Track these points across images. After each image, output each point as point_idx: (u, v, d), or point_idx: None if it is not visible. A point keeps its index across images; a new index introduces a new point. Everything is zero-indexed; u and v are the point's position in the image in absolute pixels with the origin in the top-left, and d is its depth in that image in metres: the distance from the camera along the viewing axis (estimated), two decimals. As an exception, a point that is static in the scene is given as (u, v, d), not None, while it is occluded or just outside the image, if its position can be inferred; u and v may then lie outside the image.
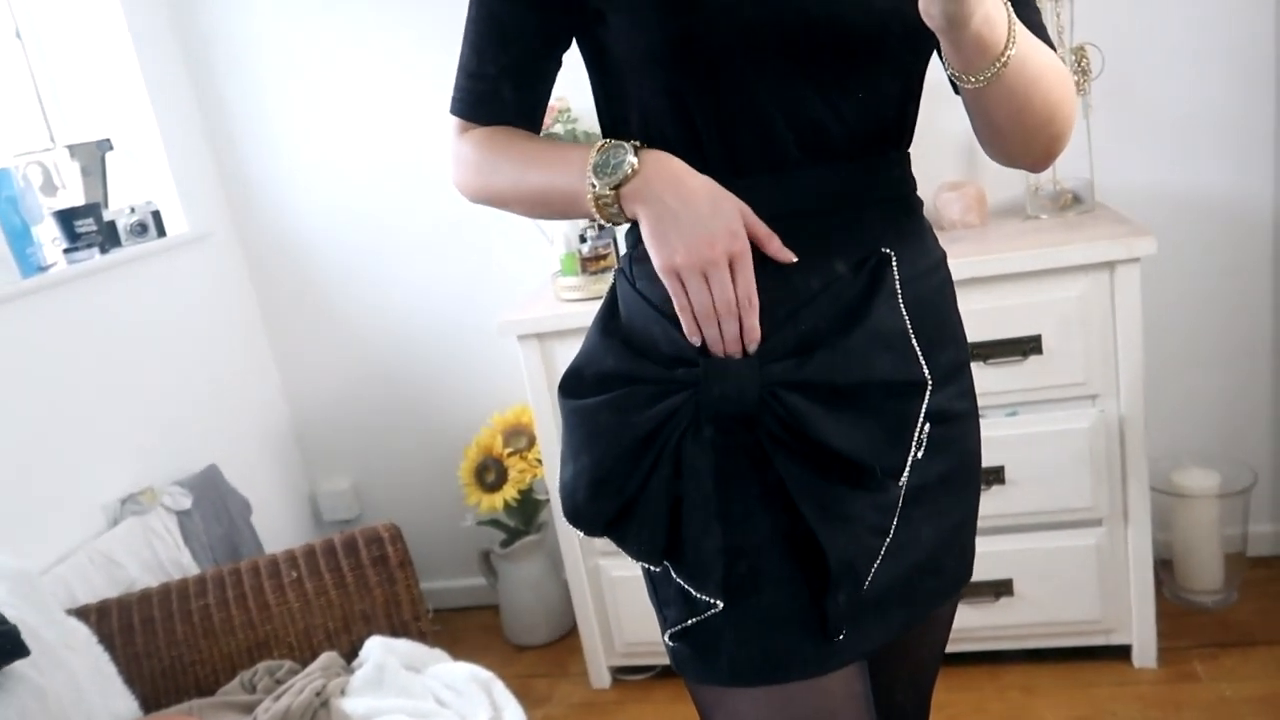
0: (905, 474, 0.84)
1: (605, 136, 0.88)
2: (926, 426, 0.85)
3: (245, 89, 2.45)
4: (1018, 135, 0.82)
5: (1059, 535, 1.88)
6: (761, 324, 0.82)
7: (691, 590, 0.85)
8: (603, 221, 0.85)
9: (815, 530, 0.81)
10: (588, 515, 0.86)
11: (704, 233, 0.79)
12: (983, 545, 1.86)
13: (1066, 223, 1.97)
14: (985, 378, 1.80)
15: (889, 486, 0.84)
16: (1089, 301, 1.77)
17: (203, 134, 2.48)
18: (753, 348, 0.81)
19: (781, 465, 0.81)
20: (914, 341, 0.83)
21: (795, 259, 0.82)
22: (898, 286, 0.84)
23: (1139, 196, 2.08)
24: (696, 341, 0.82)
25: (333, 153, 2.45)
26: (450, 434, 2.51)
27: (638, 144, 0.83)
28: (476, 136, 0.93)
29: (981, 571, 1.89)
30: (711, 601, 0.84)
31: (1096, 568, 1.88)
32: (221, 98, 2.46)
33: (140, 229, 2.25)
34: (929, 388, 0.83)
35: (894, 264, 0.85)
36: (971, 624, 1.93)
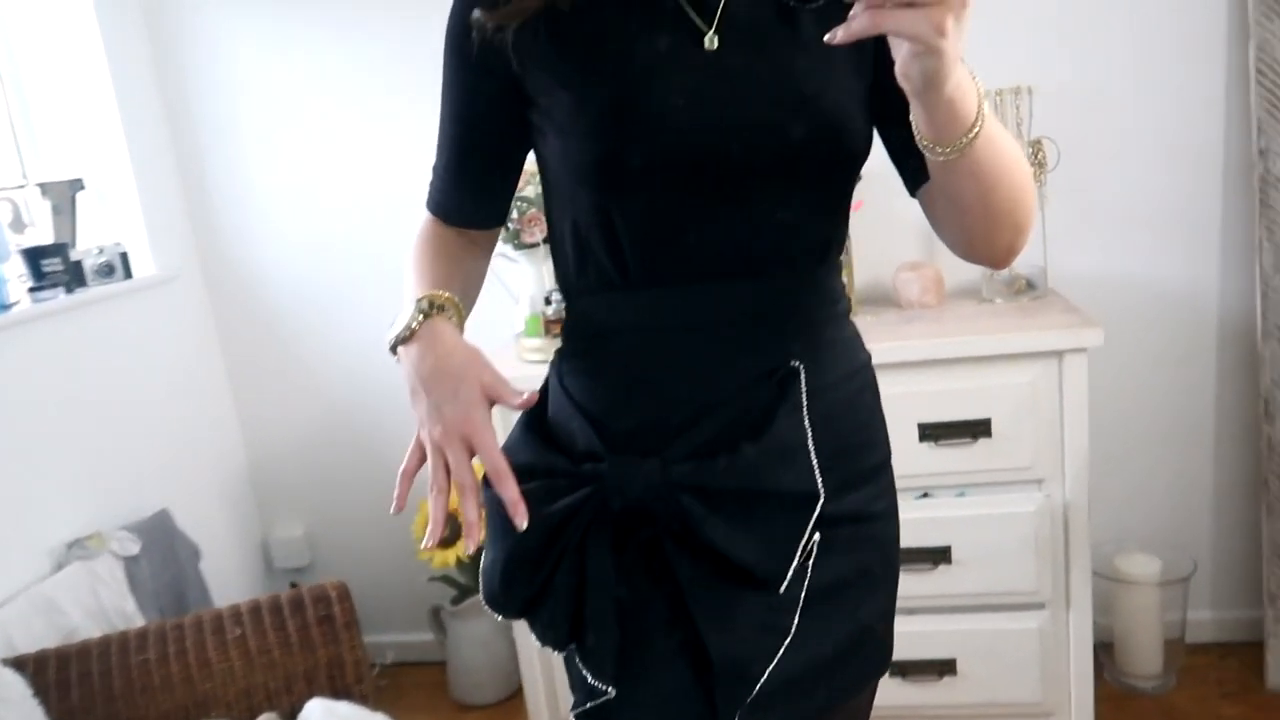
0: (804, 575, 0.88)
1: (549, 229, 0.94)
2: (816, 535, 0.88)
3: (221, 132, 2.47)
4: (984, 220, 0.82)
5: (1002, 617, 1.91)
6: (669, 426, 0.86)
7: (589, 676, 0.88)
8: None
9: (700, 628, 0.85)
10: (502, 601, 0.92)
11: (438, 415, 0.83)
12: (927, 624, 1.92)
13: (1020, 308, 2.02)
14: (936, 458, 1.83)
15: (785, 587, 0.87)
16: (1038, 388, 1.81)
17: (176, 176, 2.50)
18: (520, 522, 0.81)
19: (676, 563, 0.85)
20: (813, 457, 0.86)
21: (534, 403, 0.88)
22: (804, 400, 0.88)
23: (1090, 285, 2.15)
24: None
25: (303, 198, 2.47)
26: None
27: (444, 303, 0.88)
28: (423, 228, 1.01)
29: (925, 650, 1.94)
30: (606, 689, 0.87)
31: (1038, 650, 1.90)
32: (197, 142, 2.48)
33: (107, 270, 2.25)
34: (820, 501, 0.86)
35: (802, 377, 0.88)
36: (915, 701, 1.95)
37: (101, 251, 2.25)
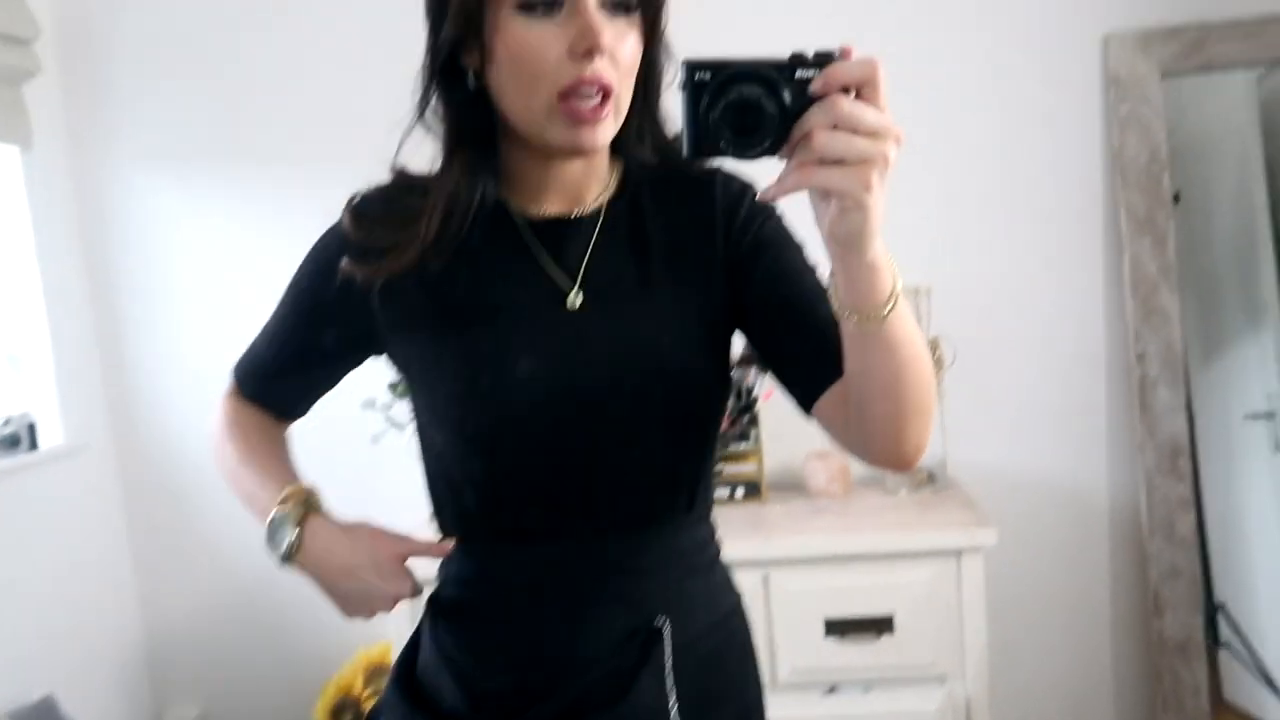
0: None
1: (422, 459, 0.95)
2: None
3: (143, 304, 2.47)
4: (896, 407, 0.78)
5: (909, 815, 1.90)
6: (532, 688, 0.87)
7: None
8: None
9: None
10: None
11: (371, 601, 0.91)
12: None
13: (921, 501, 2.09)
14: (842, 654, 1.86)
15: None
16: (937, 585, 1.87)
17: (94, 346, 2.48)
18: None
19: None
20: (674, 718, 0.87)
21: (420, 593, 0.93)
22: (667, 660, 0.87)
23: (988, 478, 2.24)
24: None
25: (220, 372, 2.46)
26: (310, 667, 2.43)
27: (307, 497, 0.92)
28: (234, 406, 1.03)
29: None
30: None
31: None
32: (117, 313, 2.48)
33: (12, 441, 2.21)
34: None
35: (666, 636, 0.88)
36: None
37: (8, 422, 2.21)
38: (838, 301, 0.74)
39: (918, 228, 2.23)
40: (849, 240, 0.68)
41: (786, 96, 0.67)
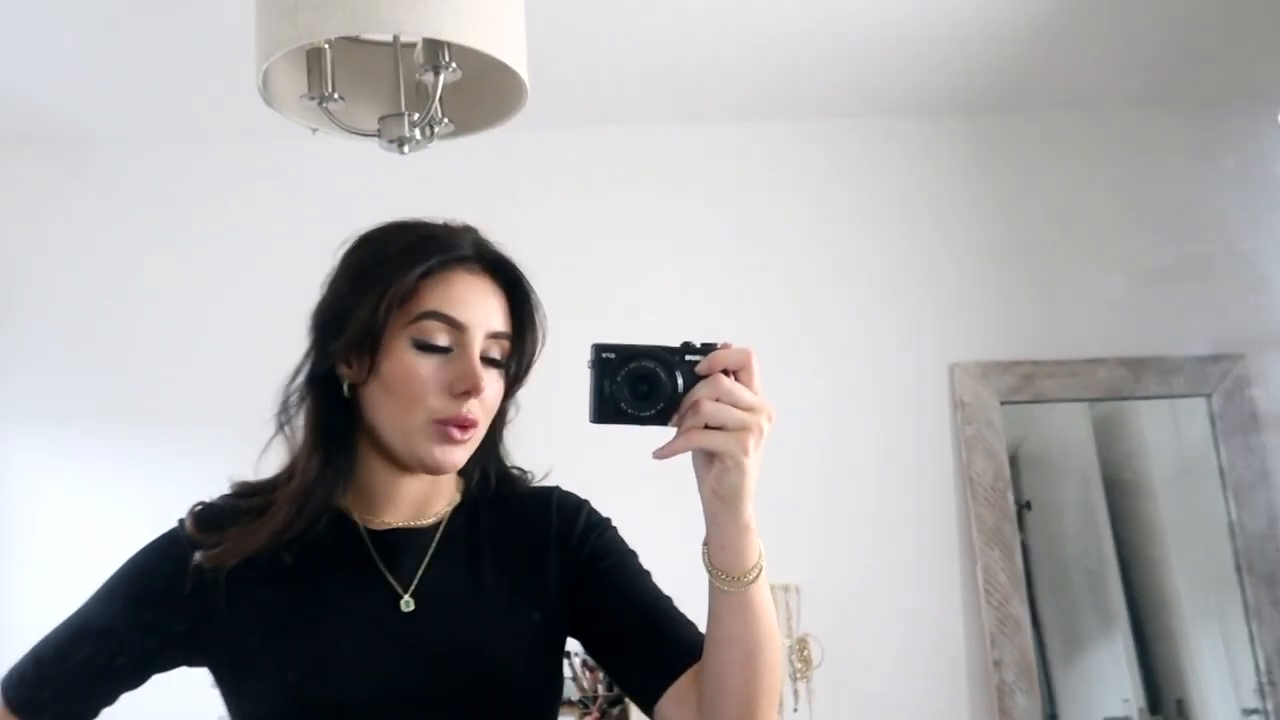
0: None
1: None
2: None
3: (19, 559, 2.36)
4: (750, 687, 0.81)
5: None
6: None
7: None
8: None
9: None
10: None
11: None
12: None
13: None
14: None
15: None
16: None
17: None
18: None
19: None
20: None
21: None
22: None
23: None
24: None
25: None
26: None
27: None
28: None
29: None
30: None
31: None
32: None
33: None
34: None
35: None
36: None
37: None
38: (708, 563, 0.81)
39: (788, 531, 2.32)
40: (728, 497, 0.78)
41: (678, 374, 0.80)
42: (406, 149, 1.25)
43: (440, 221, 0.95)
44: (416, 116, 1.24)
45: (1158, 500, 2.50)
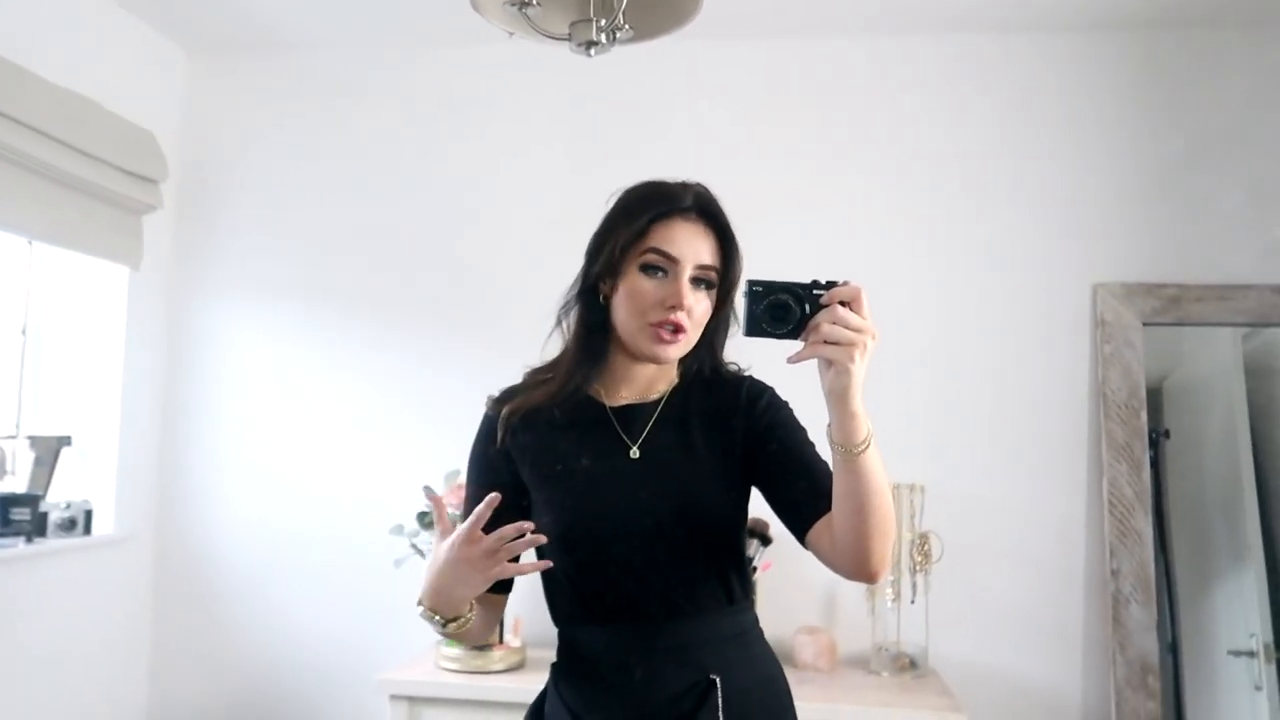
0: None
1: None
2: None
3: (207, 420, 2.72)
4: (866, 523, 1.09)
5: None
6: None
7: None
8: None
9: None
10: None
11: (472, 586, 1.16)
12: None
13: (902, 684, 2.22)
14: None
15: None
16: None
17: (155, 447, 2.70)
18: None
19: None
20: None
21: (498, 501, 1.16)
22: (719, 701, 1.19)
23: (966, 669, 2.36)
24: None
25: (269, 487, 2.67)
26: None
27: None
28: None
29: None
30: None
31: None
32: (180, 418, 2.72)
33: (69, 524, 2.40)
34: None
35: (718, 687, 1.19)
36: None
37: (69, 506, 2.41)
38: (830, 439, 1.08)
39: (917, 433, 2.47)
40: (840, 392, 1.05)
41: (806, 304, 1.08)
42: (593, 52, 1.41)
43: (678, 180, 1.26)
44: (604, 22, 1.39)
45: (1304, 435, 2.46)
